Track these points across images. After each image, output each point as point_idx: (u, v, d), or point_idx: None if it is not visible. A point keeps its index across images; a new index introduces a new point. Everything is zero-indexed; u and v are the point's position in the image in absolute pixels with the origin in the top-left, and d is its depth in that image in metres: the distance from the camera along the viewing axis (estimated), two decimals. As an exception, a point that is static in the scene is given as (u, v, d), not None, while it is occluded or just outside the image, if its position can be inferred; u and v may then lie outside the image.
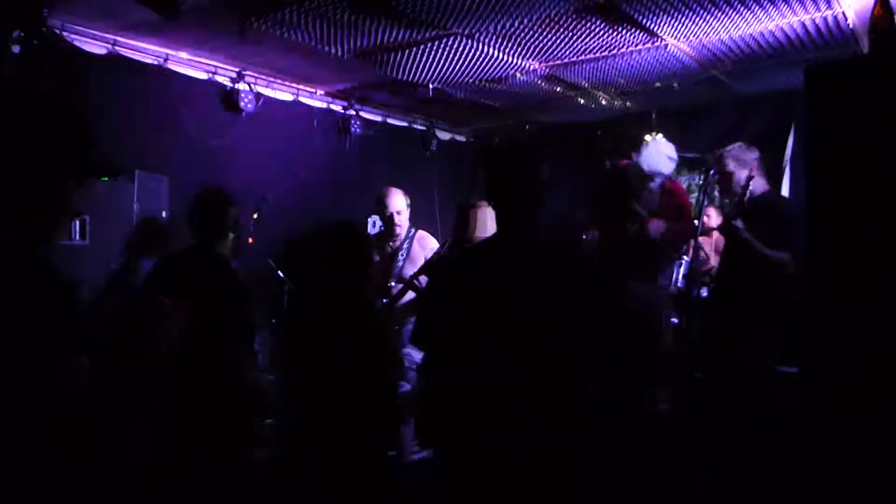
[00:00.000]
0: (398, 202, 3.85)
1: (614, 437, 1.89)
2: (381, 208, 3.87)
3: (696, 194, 6.37)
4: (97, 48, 4.27)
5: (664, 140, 4.23)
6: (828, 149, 2.12)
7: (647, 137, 4.30)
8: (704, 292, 4.54)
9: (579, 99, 5.55)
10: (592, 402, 1.83)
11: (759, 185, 3.50)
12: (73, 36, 4.13)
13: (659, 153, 4.01)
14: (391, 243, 3.88)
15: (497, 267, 1.97)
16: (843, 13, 3.82)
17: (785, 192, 5.39)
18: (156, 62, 4.60)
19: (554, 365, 1.83)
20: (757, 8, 3.75)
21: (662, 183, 4.08)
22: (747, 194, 3.42)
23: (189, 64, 4.79)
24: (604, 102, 5.68)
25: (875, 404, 1.94)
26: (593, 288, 1.97)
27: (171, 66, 4.68)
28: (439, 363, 2.08)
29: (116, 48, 4.34)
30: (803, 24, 4.00)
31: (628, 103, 5.78)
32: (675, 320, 4.32)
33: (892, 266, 1.95)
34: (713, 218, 5.49)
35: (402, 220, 3.86)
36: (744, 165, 3.51)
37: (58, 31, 3.99)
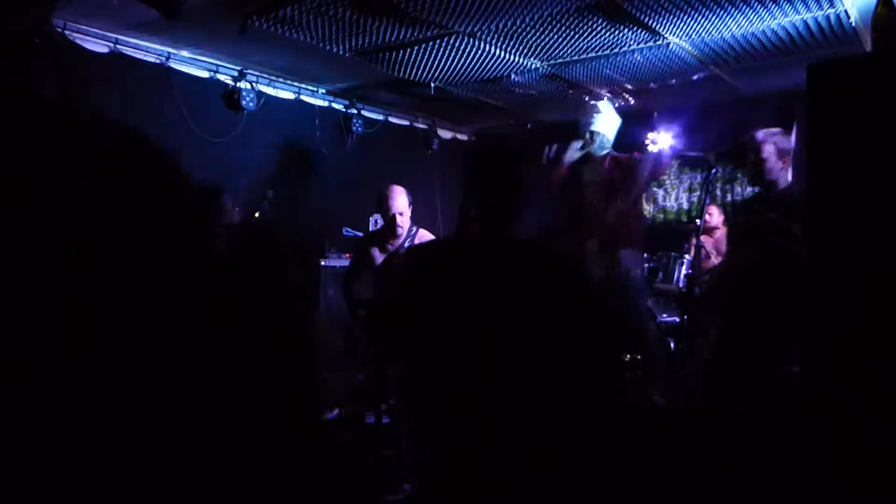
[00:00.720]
0: (401, 203, 3.77)
1: (606, 433, 1.86)
2: (384, 208, 3.79)
3: (698, 193, 6.38)
4: (99, 47, 4.28)
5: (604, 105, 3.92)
6: (830, 147, 2.11)
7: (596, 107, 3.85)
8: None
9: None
10: (577, 398, 1.80)
11: (785, 178, 3.29)
12: (75, 34, 4.14)
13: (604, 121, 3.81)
14: (391, 242, 3.86)
15: (469, 265, 1.90)
16: (846, 11, 3.81)
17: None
18: (157, 61, 4.61)
19: (527, 365, 1.76)
20: (759, 6, 3.74)
21: (610, 155, 3.85)
22: (774, 188, 3.25)
23: (190, 62, 4.80)
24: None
25: (876, 403, 1.94)
26: (571, 287, 1.88)
27: (173, 64, 4.69)
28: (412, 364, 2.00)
29: (118, 47, 4.35)
30: (805, 23, 3.99)
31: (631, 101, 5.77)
32: (675, 319, 4.31)
33: (894, 265, 1.95)
34: (715, 216, 5.48)
35: (405, 220, 3.79)
36: (781, 156, 3.26)
37: (60, 30, 3.99)
